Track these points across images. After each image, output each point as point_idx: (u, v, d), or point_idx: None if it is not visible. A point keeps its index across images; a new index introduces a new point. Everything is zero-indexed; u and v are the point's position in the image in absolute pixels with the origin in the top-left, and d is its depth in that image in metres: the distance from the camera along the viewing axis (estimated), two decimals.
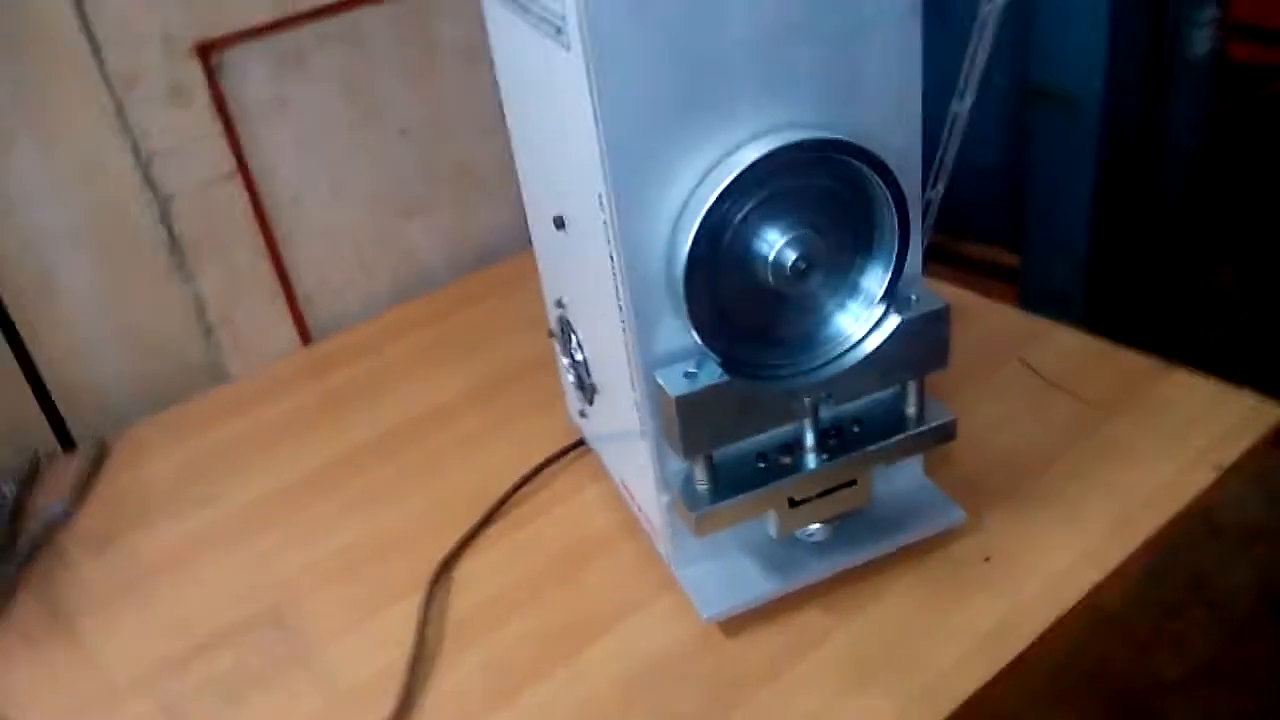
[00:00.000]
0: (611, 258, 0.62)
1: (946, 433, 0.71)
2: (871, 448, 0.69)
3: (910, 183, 0.64)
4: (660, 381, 0.64)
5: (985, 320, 0.99)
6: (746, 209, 0.61)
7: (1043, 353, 0.94)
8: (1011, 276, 1.70)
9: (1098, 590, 0.70)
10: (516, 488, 0.87)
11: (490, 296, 1.18)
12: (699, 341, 0.63)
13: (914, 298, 0.66)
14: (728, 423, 0.65)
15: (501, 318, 1.13)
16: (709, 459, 0.67)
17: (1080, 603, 0.69)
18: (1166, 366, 0.89)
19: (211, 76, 1.00)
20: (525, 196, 0.82)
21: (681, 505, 0.68)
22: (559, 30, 0.58)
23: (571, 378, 0.84)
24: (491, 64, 1.16)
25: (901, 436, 0.70)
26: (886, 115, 0.63)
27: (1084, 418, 0.85)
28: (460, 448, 0.94)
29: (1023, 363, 0.92)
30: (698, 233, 0.59)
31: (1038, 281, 1.67)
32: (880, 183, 0.63)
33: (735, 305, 0.64)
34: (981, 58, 1.49)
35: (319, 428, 1.00)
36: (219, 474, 0.96)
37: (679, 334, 0.64)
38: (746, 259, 0.62)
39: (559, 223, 0.72)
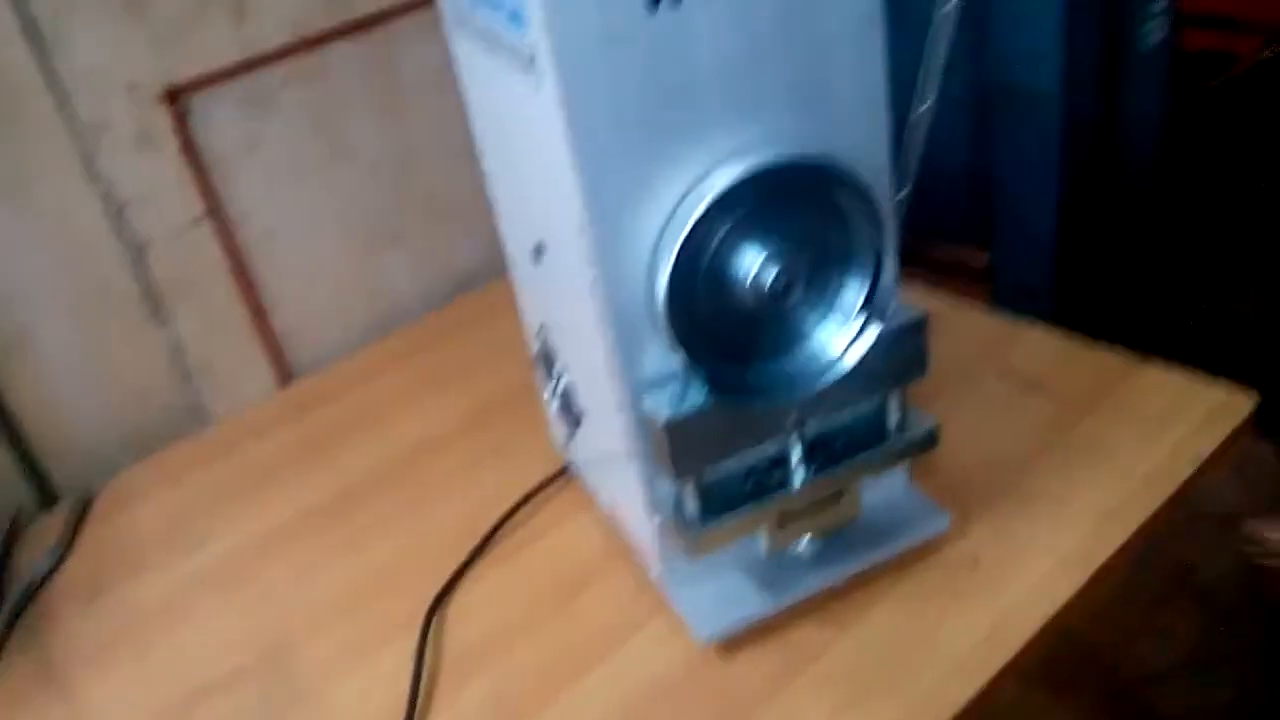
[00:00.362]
0: (594, 284, 0.63)
1: (929, 440, 0.72)
2: (857, 459, 0.70)
3: (882, 192, 0.65)
4: (648, 405, 0.64)
5: (958, 324, 1.00)
6: (724, 231, 0.62)
7: (1017, 354, 0.95)
8: (982, 276, 1.72)
9: (1085, 589, 0.71)
10: (505, 519, 0.87)
11: (468, 326, 1.18)
12: (686, 364, 0.64)
13: (892, 308, 0.67)
14: (717, 443, 0.66)
15: (481, 347, 1.13)
16: (699, 480, 0.67)
17: (1069, 602, 0.70)
18: (1139, 362, 0.90)
19: (180, 121, 1.00)
20: (501, 225, 0.82)
21: (674, 527, 0.69)
22: (531, 62, 0.58)
23: (555, 405, 0.85)
24: (458, 94, 1.17)
25: (885, 447, 0.71)
26: (855, 126, 0.64)
27: (1061, 417, 0.86)
28: (448, 480, 0.94)
29: (998, 367, 0.93)
30: (676, 259, 0.60)
31: (1009, 277, 1.69)
32: (853, 195, 0.64)
33: (718, 325, 0.64)
34: (939, 59, 1.51)
35: (305, 467, 1.00)
36: (208, 518, 0.96)
37: (664, 356, 0.65)
38: (726, 280, 0.63)
39: (538, 251, 0.72)
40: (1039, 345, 0.96)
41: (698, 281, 0.62)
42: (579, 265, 0.64)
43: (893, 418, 0.72)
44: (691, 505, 0.68)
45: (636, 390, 0.65)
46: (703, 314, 0.63)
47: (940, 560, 0.75)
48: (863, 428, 0.72)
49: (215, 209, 1.04)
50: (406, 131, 1.16)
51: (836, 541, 0.75)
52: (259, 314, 1.10)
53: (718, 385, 0.65)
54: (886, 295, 0.67)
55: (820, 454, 0.70)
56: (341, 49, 1.09)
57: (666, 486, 0.70)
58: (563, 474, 0.90)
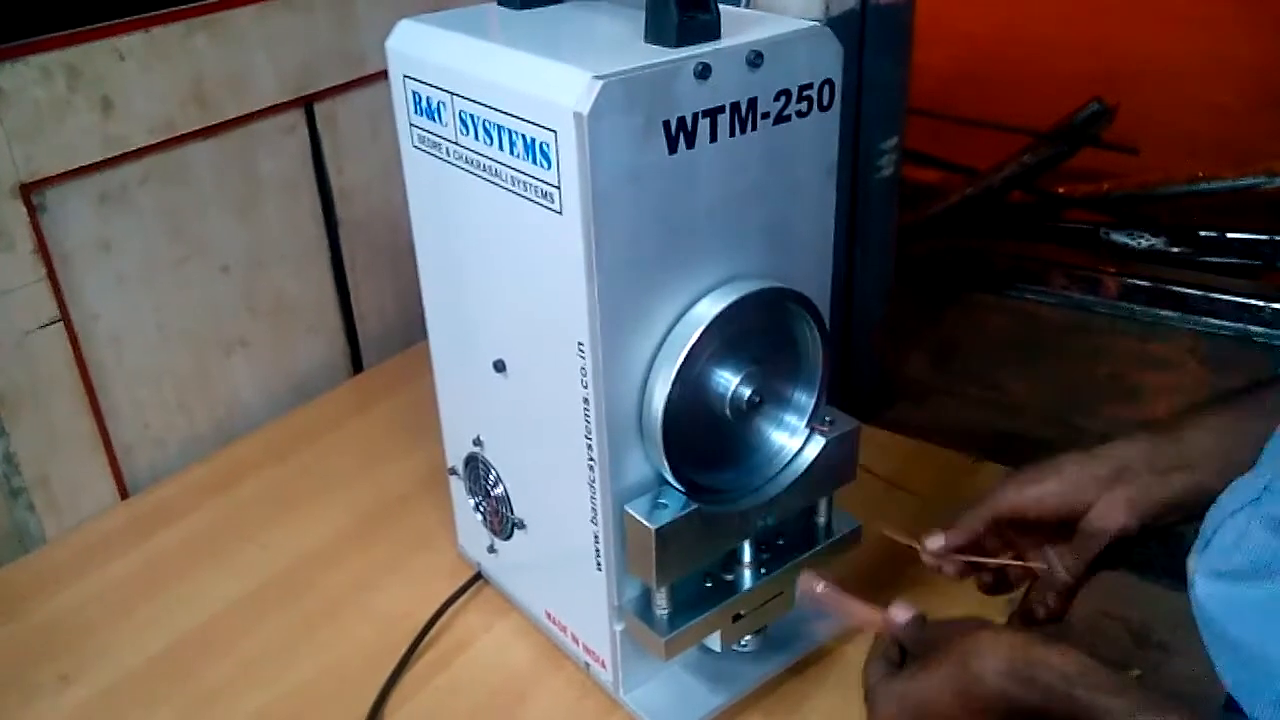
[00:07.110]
0: (586, 400, 0.66)
1: (856, 537, 0.80)
2: (799, 558, 0.77)
3: (828, 316, 0.73)
4: (634, 514, 0.68)
5: None
6: (709, 352, 0.67)
7: (867, 457, 1.06)
8: None
9: None
10: (426, 629, 0.85)
11: (318, 434, 1.14)
12: (669, 475, 0.68)
13: (830, 419, 0.75)
14: (693, 547, 0.70)
15: (342, 455, 1.10)
16: (671, 584, 0.71)
17: None
18: (975, 461, 1.04)
19: (34, 218, 0.92)
20: (434, 339, 0.83)
21: (647, 631, 0.71)
22: (547, 195, 0.62)
23: (480, 515, 0.85)
24: (311, 196, 1.17)
25: (822, 545, 0.78)
26: (809, 260, 0.72)
27: (927, 508, 0.97)
28: (347, 594, 0.91)
29: (863, 467, 1.03)
30: (675, 378, 0.65)
31: None
32: (807, 319, 0.71)
33: (694, 437, 0.69)
34: None
35: (178, 587, 0.92)
36: (63, 656, 0.86)
37: (639, 467, 0.69)
38: (707, 396, 0.69)
39: (499, 366, 0.74)
40: (885, 446, 1.08)
41: (683, 396, 0.67)
42: (562, 382, 0.67)
43: (821, 518, 0.79)
44: (663, 610, 0.71)
45: (619, 499, 0.69)
46: (684, 426, 0.68)
47: (864, 639, 0.82)
48: (798, 528, 0.78)
49: (65, 311, 0.96)
50: (259, 233, 1.13)
51: (771, 634, 0.80)
52: (101, 424, 1.02)
53: (695, 491, 0.69)
54: (822, 408, 0.75)
55: (766, 554, 0.76)
56: (203, 147, 1.05)
57: (633, 592, 0.73)
58: (475, 581, 0.90)
